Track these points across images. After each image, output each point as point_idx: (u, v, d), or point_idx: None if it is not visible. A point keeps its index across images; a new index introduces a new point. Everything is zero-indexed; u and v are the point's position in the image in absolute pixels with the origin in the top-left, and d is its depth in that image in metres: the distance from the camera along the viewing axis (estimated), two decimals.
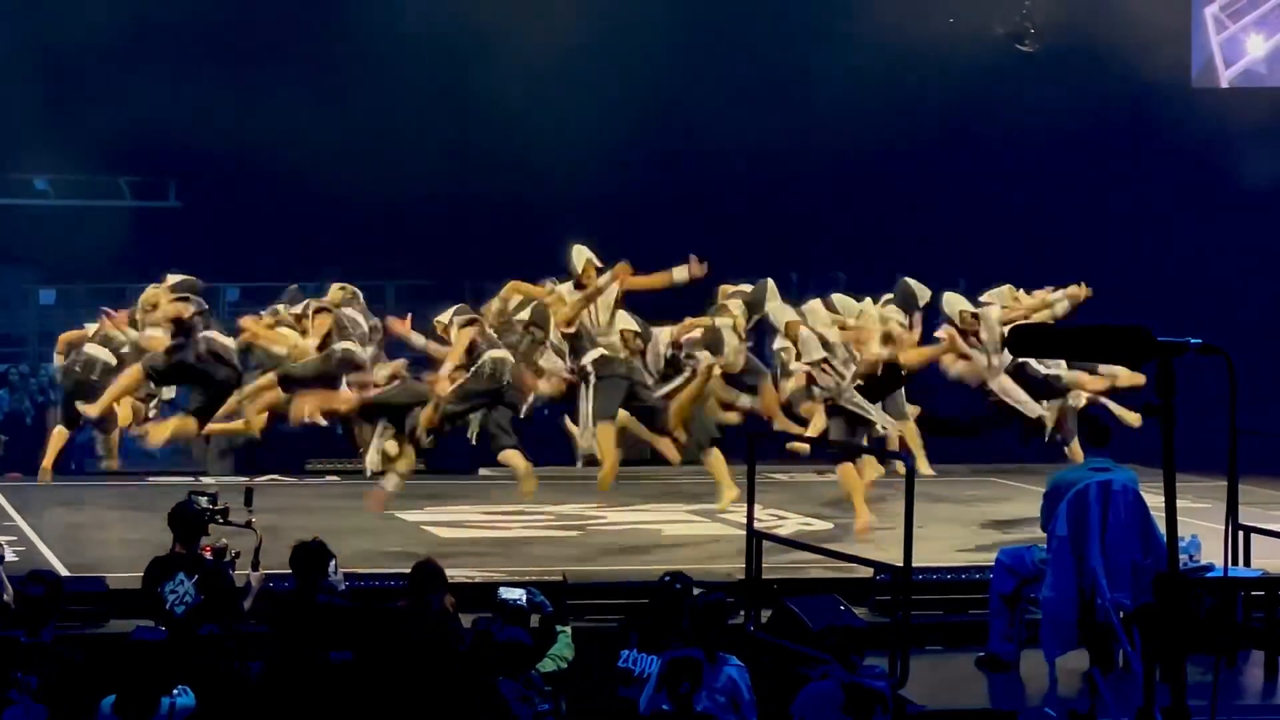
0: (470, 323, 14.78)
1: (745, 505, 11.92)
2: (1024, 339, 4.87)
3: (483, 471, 16.98)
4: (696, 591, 9.98)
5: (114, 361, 16.25)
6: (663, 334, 15.69)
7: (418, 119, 22.27)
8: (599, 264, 15.68)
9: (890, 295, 15.99)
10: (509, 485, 15.34)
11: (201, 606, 9.91)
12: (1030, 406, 15.14)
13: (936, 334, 15.31)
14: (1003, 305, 15.56)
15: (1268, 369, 18.34)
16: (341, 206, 22.23)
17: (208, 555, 10.27)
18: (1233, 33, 22.93)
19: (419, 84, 21.60)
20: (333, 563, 10.06)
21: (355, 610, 9.98)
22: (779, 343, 15.71)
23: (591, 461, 15.49)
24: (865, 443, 14.69)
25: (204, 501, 10.59)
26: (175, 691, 8.84)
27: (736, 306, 16.13)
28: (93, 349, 16.39)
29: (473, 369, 14.47)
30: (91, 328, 16.67)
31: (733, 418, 16.16)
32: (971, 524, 14.82)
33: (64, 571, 11.58)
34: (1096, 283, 15.93)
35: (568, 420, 16.02)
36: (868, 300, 15.89)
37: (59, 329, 25.68)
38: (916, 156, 22.68)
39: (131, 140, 23.00)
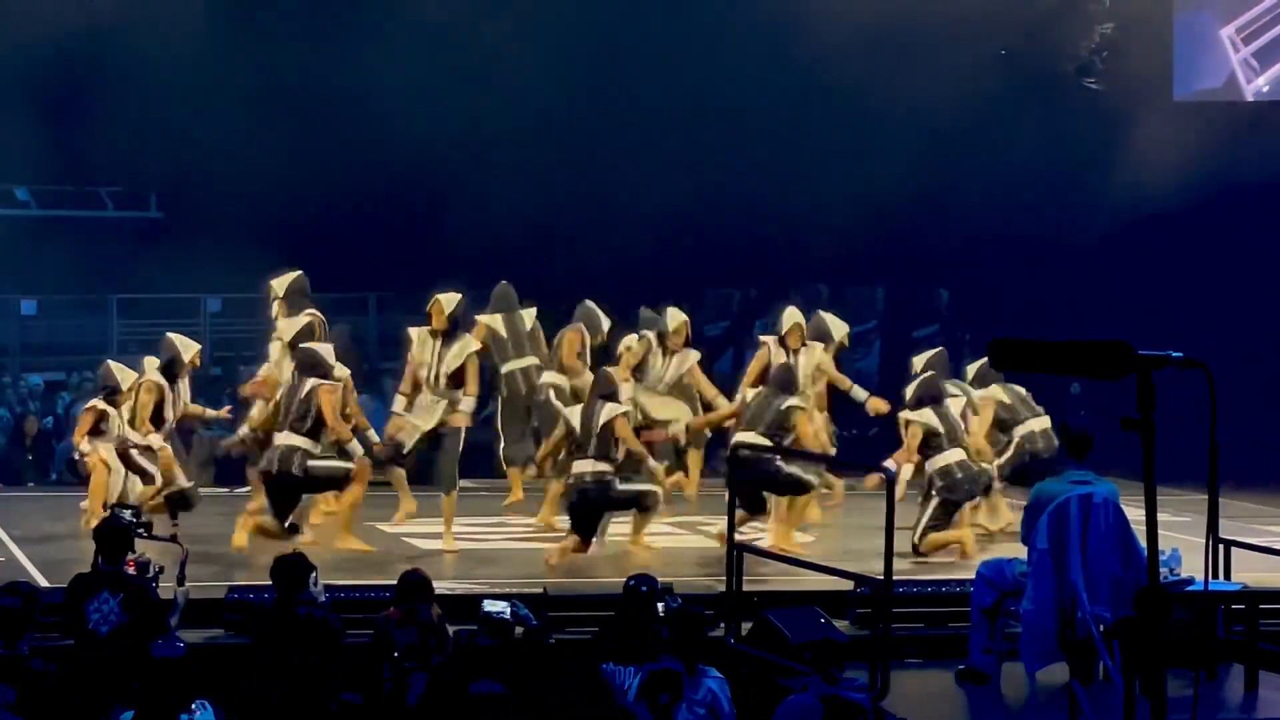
0: None
1: (725, 519, 11.93)
2: (1005, 352, 4.85)
3: (463, 483, 16.89)
4: (664, 605, 9.95)
5: None
6: None
7: (406, 128, 22.22)
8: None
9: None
10: (489, 497, 15.31)
11: (128, 626, 9.78)
12: None
13: None
14: None
15: (1250, 382, 18.38)
16: (324, 217, 22.18)
17: (130, 570, 10.11)
18: (1245, 55, 22.97)
19: (406, 93, 21.55)
20: (313, 575, 10.03)
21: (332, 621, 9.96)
22: None
23: None
24: None
25: (128, 515, 10.47)
26: (194, 707, 8.77)
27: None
28: None
29: None
30: None
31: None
32: None
33: (44, 583, 11.52)
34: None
35: None
36: None
37: (40, 339, 25.76)
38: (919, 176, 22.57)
39: (113, 151, 22.94)
